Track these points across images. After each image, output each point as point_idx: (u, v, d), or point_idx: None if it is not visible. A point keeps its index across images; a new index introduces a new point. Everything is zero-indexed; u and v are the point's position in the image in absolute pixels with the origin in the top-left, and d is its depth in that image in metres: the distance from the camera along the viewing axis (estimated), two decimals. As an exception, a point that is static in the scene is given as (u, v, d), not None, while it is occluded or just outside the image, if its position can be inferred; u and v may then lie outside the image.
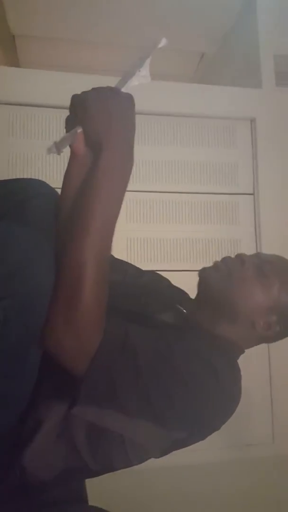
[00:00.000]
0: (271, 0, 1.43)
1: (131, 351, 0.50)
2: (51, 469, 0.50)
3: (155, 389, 0.49)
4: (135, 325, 0.55)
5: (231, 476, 1.17)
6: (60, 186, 0.56)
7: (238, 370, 0.59)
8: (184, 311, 0.65)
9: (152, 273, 0.76)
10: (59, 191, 0.58)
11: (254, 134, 1.36)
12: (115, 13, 1.54)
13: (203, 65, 1.88)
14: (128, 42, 1.65)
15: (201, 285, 0.63)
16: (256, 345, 0.64)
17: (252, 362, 1.23)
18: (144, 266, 0.77)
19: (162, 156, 1.31)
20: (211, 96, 1.35)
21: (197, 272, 0.64)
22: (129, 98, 0.51)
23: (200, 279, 0.63)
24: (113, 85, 0.52)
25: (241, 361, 0.61)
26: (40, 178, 0.65)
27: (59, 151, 0.51)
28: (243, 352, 0.63)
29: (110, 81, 0.54)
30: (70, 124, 0.52)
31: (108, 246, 0.49)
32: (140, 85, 0.52)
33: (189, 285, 0.69)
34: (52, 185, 0.64)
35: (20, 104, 1.24)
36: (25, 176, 1.18)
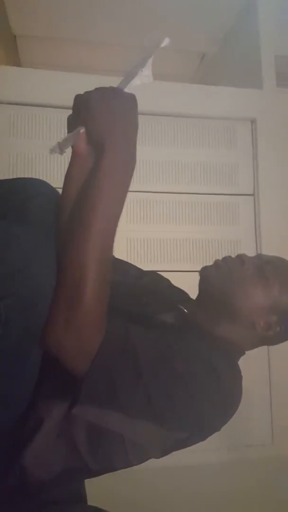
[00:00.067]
0: (272, 1, 1.43)
1: (131, 352, 0.50)
2: (51, 469, 0.50)
3: (156, 389, 0.49)
4: (136, 326, 0.55)
5: (230, 477, 1.17)
6: (62, 186, 0.57)
7: (239, 371, 0.59)
8: (185, 311, 0.65)
9: (153, 273, 0.76)
10: (60, 191, 0.58)
11: (254, 135, 1.36)
12: (116, 13, 1.54)
13: (203, 66, 1.88)
14: (129, 42, 1.65)
15: (201, 283, 0.63)
16: (257, 346, 0.63)
17: (252, 363, 1.23)
18: (145, 266, 0.77)
19: (162, 157, 1.31)
20: (211, 97, 1.35)
21: (197, 272, 0.64)
22: (132, 98, 0.51)
23: (201, 278, 0.63)
24: (115, 85, 0.52)
25: (241, 362, 0.61)
26: (41, 178, 0.65)
27: (62, 151, 0.51)
28: (243, 353, 0.63)
29: (111, 81, 0.54)
30: (72, 123, 0.52)
31: (110, 247, 0.49)
32: (142, 85, 0.52)
33: (189, 285, 0.69)
34: (54, 185, 0.64)
35: (21, 104, 1.24)
36: (26, 176, 1.18)
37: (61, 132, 0.53)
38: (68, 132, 0.53)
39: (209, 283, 0.62)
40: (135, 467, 0.54)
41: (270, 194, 1.35)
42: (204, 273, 0.63)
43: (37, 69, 1.34)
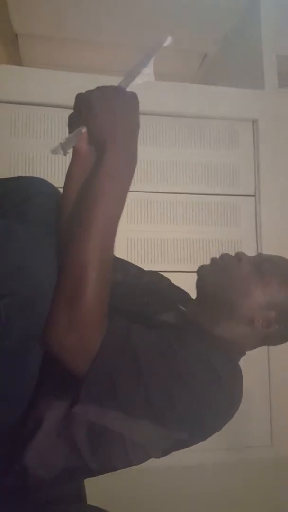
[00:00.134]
0: (274, 1, 1.43)
1: (132, 351, 0.50)
2: (52, 468, 0.50)
3: (156, 389, 0.49)
4: (137, 325, 0.55)
5: (230, 477, 1.17)
6: (63, 185, 0.56)
7: (239, 371, 0.59)
8: (185, 311, 0.65)
9: (154, 273, 0.76)
10: (61, 190, 0.58)
11: (256, 136, 1.36)
12: (117, 13, 1.54)
13: (205, 66, 1.88)
14: (131, 42, 1.65)
15: (198, 281, 0.63)
16: (258, 346, 0.63)
17: (252, 364, 1.22)
18: (145, 266, 0.77)
19: (163, 157, 1.31)
20: (213, 97, 1.35)
21: (197, 272, 0.64)
22: (134, 98, 0.51)
23: (198, 277, 0.63)
24: (116, 84, 0.52)
25: (241, 363, 0.61)
26: (42, 177, 0.65)
27: (65, 152, 0.51)
28: (244, 353, 0.63)
29: (112, 81, 0.54)
30: (73, 123, 0.52)
31: (111, 246, 0.49)
32: (143, 84, 0.52)
33: (190, 286, 0.69)
34: (55, 184, 0.64)
35: (23, 103, 1.24)
36: (27, 175, 1.17)
37: (62, 131, 0.53)
38: (70, 131, 0.53)
39: (206, 281, 0.62)
40: (134, 467, 0.54)
41: (271, 195, 1.34)
42: (201, 271, 0.63)
43: (38, 68, 1.34)
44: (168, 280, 0.76)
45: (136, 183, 1.24)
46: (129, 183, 0.50)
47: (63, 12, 1.54)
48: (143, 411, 0.49)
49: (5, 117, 1.23)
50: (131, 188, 0.51)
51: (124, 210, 0.50)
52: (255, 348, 0.64)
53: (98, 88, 0.50)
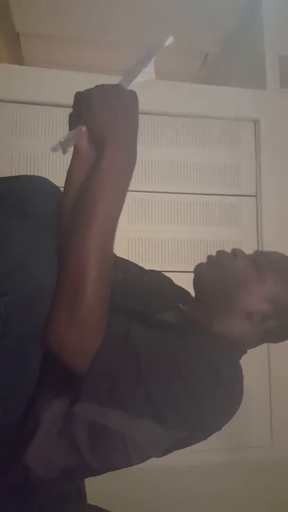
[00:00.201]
0: (276, 1, 1.42)
1: (132, 350, 0.50)
2: (52, 467, 0.50)
3: (156, 388, 0.49)
4: (137, 324, 0.55)
5: (229, 478, 1.17)
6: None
7: (240, 369, 0.59)
8: (185, 310, 0.65)
9: (154, 272, 0.76)
10: (62, 189, 0.58)
11: (257, 136, 1.36)
12: (119, 12, 1.53)
13: (207, 66, 1.87)
14: (133, 41, 1.65)
15: (196, 279, 0.63)
16: (258, 343, 0.63)
17: (252, 364, 1.22)
18: (146, 266, 0.76)
19: (164, 157, 1.31)
20: (214, 97, 1.35)
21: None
22: (133, 96, 0.51)
23: (195, 275, 0.64)
24: (117, 83, 0.52)
25: (241, 363, 0.61)
26: (43, 177, 0.65)
27: (64, 151, 0.51)
28: (245, 352, 0.62)
29: (114, 80, 0.54)
30: (73, 121, 0.52)
31: (111, 244, 0.49)
32: (145, 83, 0.51)
33: (190, 286, 0.69)
34: (56, 184, 0.64)
35: (24, 103, 1.24)
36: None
37: (64, 130, 0.53)
38: (70, 130, 0.53)
39: (202, 278, 0.62)
40: (134, 467, 0.53)
41: (272, 195, 1.34)
42: (198, 269, 0.63)
43: (40, 67, 1.34)
44: (169, 279, 0.76)
45: (137, 183, 1.24)
46: (128, 181, 0.50)
47: (64, 11, 1.54)
48: (144, 410, 0.49)
49: (7, 116, 1.23)
50: (132, 188, 0.51)
51: (125, 210, 0.50)
52: (255, 346, 0.63)
53: (97, 86, 0.50)
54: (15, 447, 0.49)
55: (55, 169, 1.19)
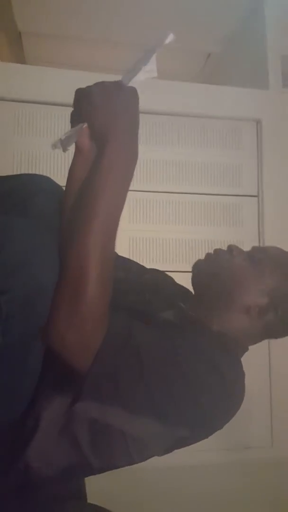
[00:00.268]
0: (278, 0, 1.42)
1: (134, 348, 0.50)
2: (54, 466, 0.50)
3: (158, 386, 0.49)
4: (138, 323, 0.55)
5: (229, 478, 1.17)
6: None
7: (241, 368, 0.59)
8: (186, 308, 0.65)
9: (155, 270, 0.76)
10: (64, 188, 0.58)
11: (259, 136, 1.36)
12: (121, 11, 1.53)
13: (209, 65, 1.87)
14: (135, 40, 1.65)
15: (193, 277, 0.64)
16: (259, 339, 0.63)
17: (252, 365, 1.22)
18: (147, 266, 0.76)
19: (166, 156, 1.30)
20: (216, 97, 1.34)
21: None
22: (134, 92, 0.51)
23: (193, 272, 0.64)
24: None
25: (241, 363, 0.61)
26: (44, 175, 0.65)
27: (65, 148, 0.51)
28: (246, 349, 0.62)
29: (115, 79, 0.53)
30: (74, 119, 0.52)
31: (112, 243, 0.49)
32: (146, 83, 0.51)
33: (191, 285, 0.69)
34: (58, 183, 0.64)
35: (26, 101, 1.24)
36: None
37: (65, 129, 0.52)
38: (72, 127, 0.52)
39: (200, 275, 0.63)
40: (135, 466, 0.53)
41: (274, 195, 1.34)
42: (195, 266, 0.64)
43: (41, 66, 1.34)
44: (170, 278, 0.76)
45: (138, 183, 1.24)
46: (130, 179, 0.50)
47: (66, 10, 1.54)
48: (145, 409, 0.49)
49: (9, 115, 1.23)
50: (133, 188, 0.51)
51: (126, 209, 0.50)
52: (256, 342, 0.63)
53: (97, 83, 0.50)
54: (16, 447, 0.49)
55: (56, 168, 1.19)
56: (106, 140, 0.49)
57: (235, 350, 0.60)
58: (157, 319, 0.60)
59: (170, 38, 0.51)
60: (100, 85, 0.50)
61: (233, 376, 0.56)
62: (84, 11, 1.54)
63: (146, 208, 1.28)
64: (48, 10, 1.55)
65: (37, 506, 0.54)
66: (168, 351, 0.52)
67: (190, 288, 0.72)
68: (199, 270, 0.63)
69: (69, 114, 0.54)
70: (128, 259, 0.75)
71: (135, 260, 0.77)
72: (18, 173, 1.19)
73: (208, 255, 0.64)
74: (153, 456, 0.53)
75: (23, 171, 1.21)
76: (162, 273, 0.76)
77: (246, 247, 0.65)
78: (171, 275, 0.77)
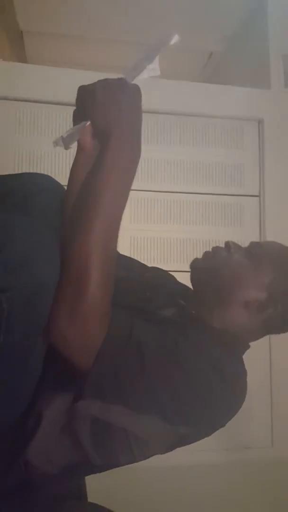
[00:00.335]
0: (281, 0, 1.41)
1: (135, 346, 0.50)
2: (56, 464, 0.50)
3: (160, 383, 0.49)
4: (140, 320, 0.55)
5: (229, 478, 1.17)
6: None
7: (243, 364, 0.59)
8: (187, 306, 0.64)
9: (157, 269, 0.76)
10: (66, 187, 0.58)
11: (261, 135, 1.35)
12: (123, 10, 1.53)
13: (210, 65, 1.87)
14: (137, 39, 1.64)
15: (192, 275, 0.64)
16: (259, 335, 0.63)
17: (253, 364, 1.22)
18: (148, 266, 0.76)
19: (168, 156, 1.30)
20: (218, 96, 1.34)
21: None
22: (136, 89, 0.51)
23: (191, 270, 0.64)
24: None
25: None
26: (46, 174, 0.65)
27: (66, 146, 0.50)
28: (248, 346, 0.62)
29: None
30: (77, 118, 0.52)
31: (114, 241, 0.49)
32: (148, 82, 0.51)
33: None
34: (60, 182, 0.64)
35: (28, 101, 1.24)
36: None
37: (67, 129, 0.52)
38: (74, 126, 0.52)
39: (198, 272, 0.63)
40: (135, 466, 0.53)
41: (276, 195, 1.34)
42: (193, 264, 0.64)
43: (43, 65, 1.34)
44: (171, 276, 0.76)
45: (139, 182, 1.23)
46: (133, 176, 0.50)
47: (68, 9, 1.54)
48: (147, 406, 0.49)
49: (10, 114, 1.23)
50: (135, 187, 0.50)
51: (128, 209, 0.49)
52: (257, 338, 0.63)
53: (101, 80, 0.50)
54: (16, 447, 0.49)
55: (58, 167, 1.19)
56: (109, 137, 0.48)
57: (236, 347, 0.60)
58: (158, 317, 0.60)
59: (175, 39, 0.51)
60: (103, 82, 0.50)
61: (234, 373, 0.56)
62: (86, 10, 1.54)
63: (148, 208, 1.28)
64: (50, 9, 1.54)
65: (37, 506, 0.54)
66: (170, 349, 0.52)
67: (191, 286, 0.72)
68: (196, 267, 0.64)
69: (71, 113, 0.54)
70: (130, 258, 0.75)
71: (137, 259, 0.77)
72: (20, 172, 1.19)
73: (206, 253, 0.64)
74: (155, 454, 0.53)
75: (25, 170, 1.21)
76: (163, 271, 0.76)
77: (248, 247, 0.64)
78: (173, 275, 0.77)
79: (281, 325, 0.63)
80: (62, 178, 0.61)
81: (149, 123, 1.29)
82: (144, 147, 0.51)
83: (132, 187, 0.51)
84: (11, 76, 1.23)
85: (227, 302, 0.60)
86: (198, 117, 1.33)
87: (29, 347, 0.46)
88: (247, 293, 0.59)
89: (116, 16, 1.56)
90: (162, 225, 1.29)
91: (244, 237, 1.33)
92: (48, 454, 0.49)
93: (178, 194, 1.31)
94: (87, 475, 0.61)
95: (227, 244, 0.63)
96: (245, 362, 0.61)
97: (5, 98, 1.22)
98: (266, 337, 0.65)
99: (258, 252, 0.61)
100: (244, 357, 0.62)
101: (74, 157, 0.55)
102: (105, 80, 0.50)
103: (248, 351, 0.63)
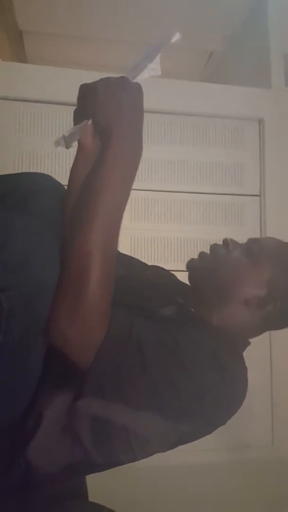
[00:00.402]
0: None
1: (136, 344, 0.50)
2: (56, 463, 0.50)
3: (160, 381, 0.49)
4: (140, 319, 0.55)
5: (230, 478, 1.17)
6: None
7: (243, 361, 0.59)
8: (186, 304, 0.65)
9: (157, 267, 0.76)
10: (66, 187, 0.58)
11: (262, 135, 1.35)
12: (123, 10, 1.53)
13: (211, 64, 1.87)
14: (137, 39, 1.64)
15: (189, 275, 0.64)
16: (259, 331, 0.63)
17: (253, 363, 1.22)
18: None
19: (168, 155, 1.30)
20: (218, 96, 1.34)
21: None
22: (138, 87, 0.51)
23: (188, 271, 0.64)
24: None
25: (241, 361, 0.61)
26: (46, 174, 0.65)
27: (68, 145, 0.50)
28: (248, 343, 0.62)
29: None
30: (78, 117, 0.52)
31: (115, 240, 0.49)
32: (149, 81, 0.51)
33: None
34: (60, 182, 0.64)
35: (28, 101, 1.24)
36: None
37: (67, 129, 0.52)
38: (75, 125, 0.52)
39: (196, 272, 0.63)
40: (135, 465, 0.53)
41: (276, 195, 1.34)
42: (189, 265, 0.64)
43: (43, 65, 1.33)
44: (171, 274, 0.76)
45: (140, 182, 1.23)
46: (134, 174, 0.50)
47: (67, 9, 1.54)
48: (148, 404, 0.49)
49: (10, 114, 1.23)
50: (135, 187, 0.50)
51: (128, 208, 0.49)
52: (257, 335, 0.63)
53: (102, 78, 0.50)
54: (16, 446, 0.49)
55: (59, 167, 1.19)
56: (111, 136, 0.48)
57: (236, 344, 0.60)
58: (158, 315, 0.60)
59: (176, 37, 0.51)
60: (105, 80, 0.50)
61: (235, 370, 0.56)
62: (85, 9, 1.53)
63: (148, 207, 1.28)
64: (49, 9, 1.54)
65: (37, 506, 0.54)
66: (170, 347, 0.52)
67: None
68: (193, 267, 0.63)
69: (71, 113, 0.53)
70: (130, 256, 0.75)
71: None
72: (20, 172, 1.19)
73: (201, 254, 0.64)
74: (156, 452, 0.53)
75: (25, 170, 1.21)
76: (163, 270, 0.76)
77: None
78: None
79: (280, 322, 0.63)
80: (63, 178, 0.61)
81: (149, 123, 1.29)
82: (144, 147, 0.51)
83: (133, 187, 0.51)
84: (10, 76, 1.23)
85: (227, 300, 0.60)
86: (199, 116, 1.33)
87: (29, 347, 0.46)
88: (247, 291, 0.59)
89: (115, 15, 1.56)
90: (162, 225, 1.29)
91: (245, 236, 1.31)
92: (49, 453, 0.49)
93: (178, 193, 1.30)
94: (88, 474, 0.60)
95: (225, 241, 0.63)
96: (245, 361, 0.61)
97: (5, 98, 1.22)
98: (267, 335, 0.65)
99: (257, 249, 0.61)
100: (244, 356, 0.62)
101: (74, 157, 0.55)
102: (107, 78, 0.50)
103: (248, 349, 0.63)
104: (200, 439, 0.55)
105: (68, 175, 0.56)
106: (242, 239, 0.63)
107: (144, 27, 1.55)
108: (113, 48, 1.80)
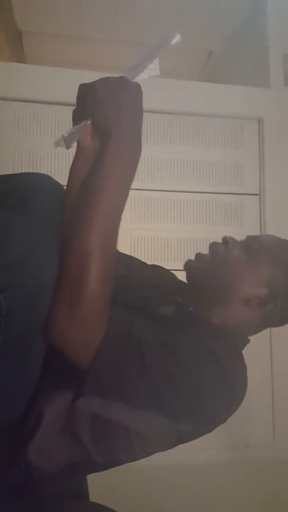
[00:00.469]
0: (281, -1, 1.41)
1: (135, 343, 0.50)
2: (57, 462, 0.50)
3: (160, 380, 0.49)
4: (139, 318, 0.55)
5: (230, 477, 1.17)
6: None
7: (242, 360, 0.58)
8: (185, 303, 0.65)
9: (157, 267, 0.76)
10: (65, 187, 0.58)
11: (261, 134, 1.35)
12: (122, 10, 1.53)
13: (210, 64, 1.87)
14: (136, 39, 1.64)
15: (187, 276, 0.64)
16: (259, 329, 0.63)
17: (254, 362, 1.21)
18: (148, 264, 0.76)
19: (167, 155, 1.30)
20: (218, 95, 1.34)
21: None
22: (137, 87, 0.51)
23: (186, 272, 0.64)
24: None
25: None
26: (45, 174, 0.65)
27: (68, 146, 0.50)
28: (247, 341, 0.62)
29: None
30: (77, 117, 0.52)
31: (114, 239, 0.49)
32: (148, 81, 0.51)
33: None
34: (60, 182, 0.64)
35: (27, 101, 1.24)
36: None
37: (66, 129, 0.52)
38: (74, 125, 0.52)
39: (194, 273, 0.63)
40: (136, 465, 0.53)
41: (276, 194, 1.34)
42: (187, 266, 0.64)
43: (42, 66, 1.34)
44: (172, 274, 0.76)
45: (139, 181, 1.23)
46: (133, 174, 0.50)
47: (66, 9, 1.54)
48: (148, 403, 0.49)
49: (10, 114, 1.23)
50: (135, 186, 0.50)
51: (128, 208, 0.49)
52: (256, 332, 0.63)
53: (102, 78, 0.50)
54: (16, 446, 0.49)
55: (58, 167, 1.19)
56: (110, 136, 0.48)
57: (236, 343, 0.60)
58: (158, 315, 0.60)
59: (176, 39, 0.51)
60: (104, 80, 0.50)
61: (234, 368, 0.56)
62: (84, 10, 1.53)
63: (148, 207, 1.28)
64: (48, 9, 1.54)
65: (37, 506, 0.54)
66: (169, 346, 0.52)
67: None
68: (191, 267, 0.63)
69: (71, 113, 0.54)
70: (130, 256, 0.75)
71: (136, 259, 0.77)
72: (19, 172, 1.19)
73: (197, 255, 0.64)
74: (156, 451, 0.53)
75: (25, 170, 1.21)
76: (163, 269, 0.76)
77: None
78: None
79: (281, 319, 0.63)
80: (62, 178, 0.61)
81: (148, 122, 1.29)
82: (144, 146, 0.51)
83: (132, 186, 0.51)
84: (10, 76, 1.23)
85: (227, 300, 0.60)
86: (198, 116, 1.33)
87: (29, 347, 0.46)
88: (247, 290, 0.59)
89: (115, 16, 1.56)
90: (162, 224, 1.29)
91: (244, 235, 1.32)
92: (49, 453, 0.49)
93: (178, 193, 1.31)
94: (88, 473, 0.60)
95: (225, 239, 0.63)
96: (245, 360, 0.61)
97: (4, 99, 1.23)
98: (267, 334, 0.65)
99: (256, 246, 0.61)
100: (244, 354, 0.62)
101: (74, 157, 0.55)
102: (106, 78, 0.50)
103: (248, 348, 0.63)
104: (200, 438, 0.55)
105: (67, 175, 0.56)
106: (242, 238, 0.63)
107: (144, 27, 1.55)
108: (112, 48, 1.80)
